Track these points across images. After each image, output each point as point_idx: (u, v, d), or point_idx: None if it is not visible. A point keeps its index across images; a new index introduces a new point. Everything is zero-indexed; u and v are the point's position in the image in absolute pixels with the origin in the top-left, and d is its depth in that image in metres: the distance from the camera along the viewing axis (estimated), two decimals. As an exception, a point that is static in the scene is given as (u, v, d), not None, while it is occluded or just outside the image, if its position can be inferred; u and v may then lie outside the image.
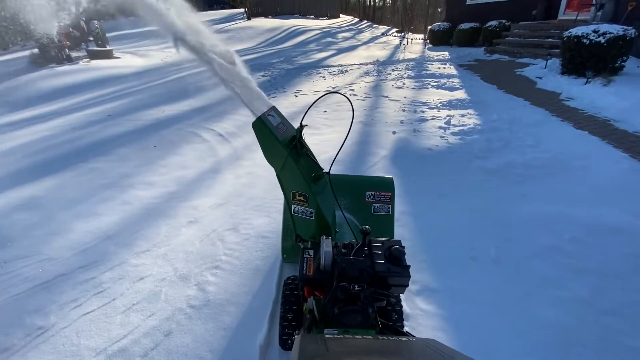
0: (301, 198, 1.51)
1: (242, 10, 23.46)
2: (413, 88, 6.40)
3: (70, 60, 12.22)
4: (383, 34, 21.79)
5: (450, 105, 5.11)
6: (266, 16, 24.57)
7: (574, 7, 9.80)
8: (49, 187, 3.27)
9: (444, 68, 8.38)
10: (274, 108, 1.53)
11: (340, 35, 18.88)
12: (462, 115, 4.58)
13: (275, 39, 17.81)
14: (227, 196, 2.93)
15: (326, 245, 1.20)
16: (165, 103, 6.64)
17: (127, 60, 13.43)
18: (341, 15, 30.43)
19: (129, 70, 11.07)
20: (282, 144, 1.40)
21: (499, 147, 3.56)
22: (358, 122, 4.61)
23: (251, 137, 4.33)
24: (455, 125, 4.21)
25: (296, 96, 6.62)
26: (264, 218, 2.60)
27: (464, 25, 12.50)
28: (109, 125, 5.19)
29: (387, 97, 5.84)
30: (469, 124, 4.22)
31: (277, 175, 1.57)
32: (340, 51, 13.64)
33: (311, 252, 1.27)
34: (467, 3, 13.57)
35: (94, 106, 6.64)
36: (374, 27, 26.60)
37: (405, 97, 5.72)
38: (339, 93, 1.71)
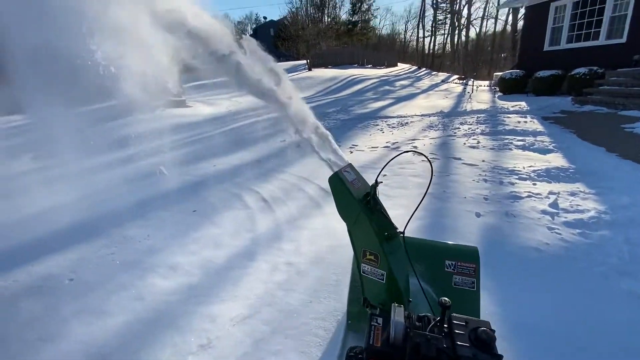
0: (372, 257, 1.47)
1: (304, 62, 24.89)
2: (492, 148, 5.39)
3: (150, 110, 13.54)
4: (443, 81, 21.11)
5: (549, 175, 4.01)
6: (326, 67, 25.72)
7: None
8: (69, 264, 2.92)
9: (525, 122, 7.22)
10: (350, 165, 1.61)
11: (398, 84, 18.63)
12: (572, 194, 3.46)
13: (333, 88, 18.15)
14: (256, 303, 2.24)
15: (398, 314, 1.06)
16: (219, 155, 6.51)
17: (196, 108, 14.50)
18: (399, 63, 30.72)
19: (196, 119, 11.75)
20: (356, 199, 1.43)
21: (651, 255, 2.41)
22: (427, 194, 3.75)
23: (296, 207, 3.71)
24: (566, 211, 3.11)
25: (351, 152, 6.03)
26: (300, 358, 1.82)
27: (543, 73, 11.24)
28: (159, 180, 5.04)
29: (459, 159, 4.92)
30: (588, 210, 3.09)
31: (348, 231, 1.57)
32: (399, 100, 13.15)
33: (380, 320, 1.13)
34: (544, 49, 12.38)
35: (153, 156, 6.78)
36: (433, 75, 26.13)
37: (483, 161, 4.74)
38: (417, 152, 1.87)
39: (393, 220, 1.57)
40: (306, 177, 4.67)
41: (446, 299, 1.06)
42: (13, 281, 2.66)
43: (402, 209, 3.35)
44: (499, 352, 0.95)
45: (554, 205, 3.21)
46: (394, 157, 1.64)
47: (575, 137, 5.91)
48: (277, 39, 30.75)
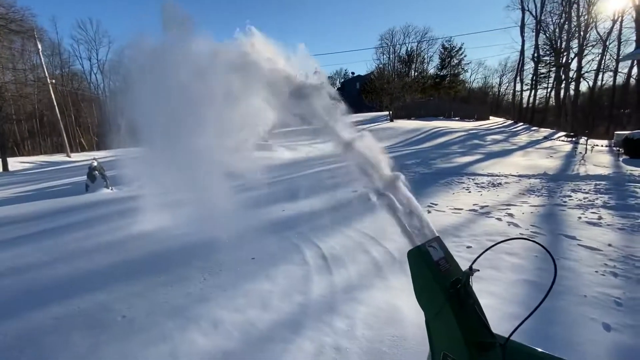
0: None
1: (386, 113, 25.21)
2: (621, 229, 4.15)
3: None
4: (546, 138, 18.74)
5: None
6: (409, 118, 25.54)
7: None
8: (128, 298, 2.99)
9: (670, 196, 5.56)
10: (437, 238, 1.38)
11: (489, 138, 17.18)
12: None
13: (415, 139, 17.68)
14: (290, 398, 1.83)
15: None
16: (290, 199, 6.57)
17: (280, 153, 15.61)
18: (491, 117, 28.78)
19: (277, 162, 12.54)
20: (441, 285, 1.18)
21: None
22: (526, 282, 2.93)
23: (356, 272, 3.27)
24: None
25: (429, 212, 5.38)
26: None
27: (690, 135, 8.92)
28: (228, 221, 5.20)
29: (574, 238, 3.87)
30: None
31: (426, 323, 1.27)
32: (490, 156, 11.90)
33: None
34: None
35: (238, 193, 7.22)
36: (533, 130, 23.56)
37: (610, 245, 3.62)
38: (533, 240, 1.34)
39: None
40: (373, 236, 4.23)
41: None
42: (76, 307, 2.80)
43: (492, 299, 2.63)
44: None
45: None
46: (498, 243, 1.41)
47: None
48: (362, 92, 32.22)
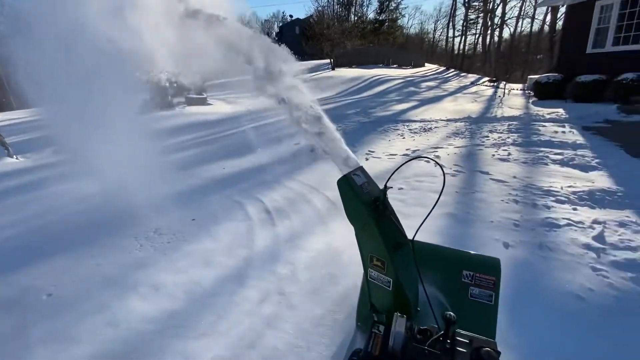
0: (379, 264, 1.44)
1: (328, 61, 24.55)
2: (524, 162, 4.83)
3: (171, 106, 13.73)
4: (473, 84, 20.10)
5: (593, 199, 3.46)
6: (350, 66, 25.24)
7: None
8: (53, 275, 2.75)
9: (564, 132, 6.53)
10: (360, 167, 1.55)
11: (424, 85, 17.91)
12: (622, 225, 2.92)
13: (355, 88, 17.71)
14: (237, 343, 1.94)
15: (399, 324, 1.07)
16: (231, 156, 6.33)
17: (216, 107, 14.55)
18: (427, 64, 29.73)
19: (214, 117, 11.73)
20: (365, 204, 1.39)
21: None
22: (446, 215, 3.33)
23: (299, 221, 3.40)
24: (615, 247, 2.60)
25: (367, 159, 5.64)
26: None
27: (585, 78, 10.28)
28: (165, 182, 4.89)
29: (487, 173, 4.42)
30: (644, 248, 2.57)
31: (356, 235, 1.53)
32: (424, 102, 12.54)
33: (381, 328, 1.13)
34: (586, 52, 11.35)
35: (172, 153, 6.70)
36: (462, 76, 25.04)
37: (514, 177, 4.22)
38: (429, 158, 1.81)
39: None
40: (315, 187, 4.35)
41: (451, 313, 1.03)
42: (-9, 292, 2.52)
43: (420, 234, 2.96)
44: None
45: (600, 238, 2.71)
46: (405, 162, 1.70)
47: (622, 152, 5.22)
48: (302, 37, 30.58)
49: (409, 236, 1.50)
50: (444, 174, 1.49)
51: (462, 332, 1.06)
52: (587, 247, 2.62)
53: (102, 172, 5.34)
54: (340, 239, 2.97)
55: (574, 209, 3.27)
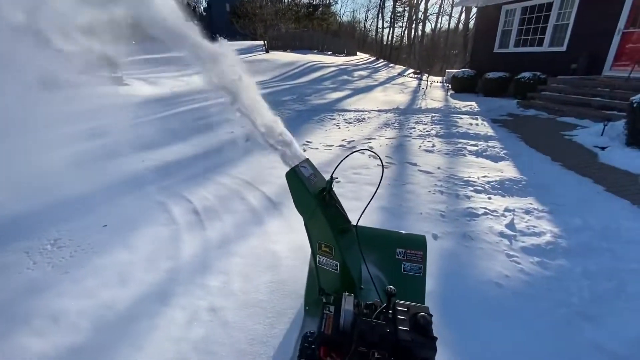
0: (327, 249, 1.54)
1: (262, 43, 23.49)
2: (446, 153, 5.23)
3: (78, 85, 11.64)
4: (400, 74, 21.30)
5: (503, 188, 3.89)
6: (285, 50, 24.56)
7: (623, 62, 8.81)
8: None
9: (477, 125, 7.28)
10: (307, 160, 1.66)
11: (356, 74, 18.35)
12: (527, 212, 3.34)
13: (291, 73, 17.32)
14: (161, 376, 1.69)
15: (347, 303, 1.16)
16: (151, 147, 5.61)
17: (134, 88, 12.83)
18: (358, 53, 30.51)
19: (133, 99, 10.33)
20: (312, 194, 1.49)
21: (609, 292, 2.28)
22: (379, 208, 3.41)
23: (233, 223, 3.15)
24: (523, 233, 2.95)
25: (304, 150, 5.52)
26: None
27: (492, 74, 11.62)
28: (68, 180, 4.10)
29: (415, 165, 4.67)
30: (544, 233, 2.96)
31: (305, 224, 1.60)
32: (357, 92, 12.84)
33: (332, 309, 1.20)
34: (494, 51, 12.81)
35: (78, 142, 5.65)
36: (390, 67, 26.33)
37: (439, 168, 4.54)
38: (371, 151, 2.18)
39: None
40: (250, 182, 4.09)
41: (392, 287, 1.14)
42: None
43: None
44: (435, 335, 1.04)
45: (511, 226, 3.04)
46: (350, 154, 1.81)
47: (522, 144, 6.01)
48: (233, 15, 28.63)
49: (352, 222, 1.64)
50: (382, 166, 1.70)
51: (401, 302, 1.16)
52: (502, 234, 2.92)
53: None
54: (280, 240, 2.83)
55: (489, 198, 3.64)
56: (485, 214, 3.28)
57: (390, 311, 1.14)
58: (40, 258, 2.63)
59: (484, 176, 4.22)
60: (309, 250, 2.65)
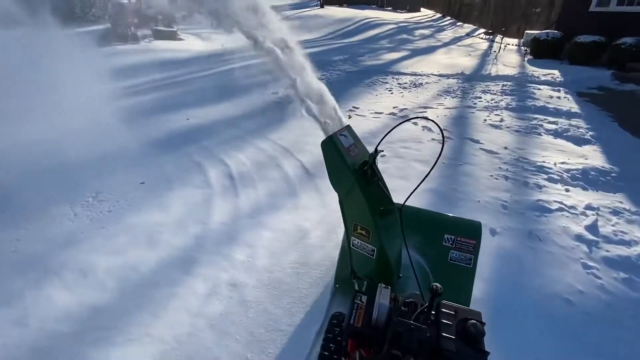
0: (363, 232, 1.37)
1: (316, -4, 22.18)
2: (517, 130, 4.47)
3: (135, 39, 12.04)
4: (468, 35, 18.94)
5: (586, 180, 3.20)
6: (341, 4, 23.04)
7: None
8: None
9: (559, 98, 6.14)
10: (348, 127, 1.44)
11: (417, 33, 16.66)
12: (615, 213, 2.69)
13: (345, 31, 16.24)
14: (173, 353, 1.62)
15: (383, 296, 1.04)
16: (198, 104, 5.60)
17: (188, 43, 12.98)
18: (422, 9, 27.64)
19: (185, 54, 10.46)
20: (351, 168, 1.30)
21: None
22: (429, 190, 2.99)
23: (266, 192, 2.98)
24: (608, 240, 2.38)
25: (349, 116, 5.11)
26: None
27: (584, 38, 9.67)
28: (116, 133, 4.22)
29: (477, 142, 4.05)
30: (636, 242, 2.35)
31: (340, 202, 1.42)
32: (416, 53, 11.64)
33: (364, 299, 1.08)
34: (589, 10, 10.55)
35: (127, 97, 5.84)
36: (458, 26, 23.55)
37: (506, 148, 3.88)
38: (428, 119, 1.59)
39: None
40: (289, 149, 3.86)
41: (438, 285, 0.97)
42: None
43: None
44: (487, 349, 0.88)
45: (593, 228, 2.47)
46: (402, 123, 1.62)
47: (615, 125, 4.95)
48: (288, -35, 27.06)
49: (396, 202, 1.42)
50: (443, 137, 1.29)
51: (447, 302, 1.02)
52: (579, 238, 2.38)
53: (42, 116, 4.56)
54: (311, 217, 2.60)
55: (567, 190, 3.01)
56: (560, 209, 2.71)
57: (433, 312, 0.99)
58: (81, 210, 2.72)
59: (563, 162, 3.51)
60: (341, 232, 2.41)
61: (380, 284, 1.09)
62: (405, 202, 1.34)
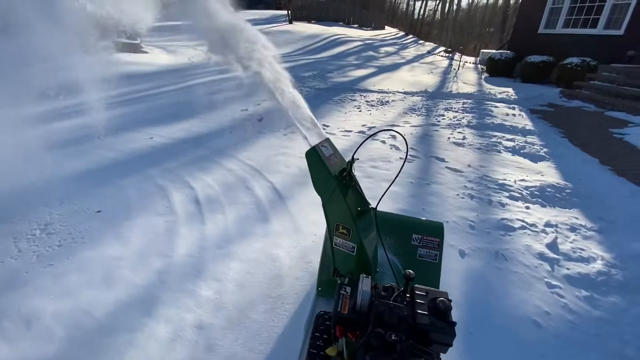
0: (344, 231, 1.53)
1: (286, 12, 22.46)
2: (479, 148, 4.70)
3: (94, 51, 11.45)
4: (429, 52, 20.01)
5: (544, 196, 3.40)
6: (309, 21, 23.49)
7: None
8: None
9: (514, 115, 6.58)
10: (327, 140, 1.61)
11: (383, 50, 17.32)
12: (573, 229, 2.86)
13: (314, 47, 16.51)
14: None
15: (365, 284, 1.17)
16: (162, 122, 5.36)
17: (153, 55, 12.53)
18: (386, 27, 28.88)
19: (149, 68, 10.07)
20: (332, 175, 1.45)
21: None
22: (399, 210, 3.02)
23: (235, 217, 2.86)
24: (568, 257, 2.51)
25: (321, 134, 5.11)
26: None
27: (534, 58, 10.55)
28: (72, 155, 3.91)
29: (443, 160, 4.19)
30: (594, 258, 2.51)
31: (323, 206, 1.57)
32: (382, 70, 12.07)
33: (348, 289, 1.24)
34: (538, 31, 11.57)
35: (82, 115, 5.46)
36: (420, 44, 24.80)
37: (469, 166, 4.05)
38: (394, 131, 2.04)
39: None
40: (258, 169, 3.77)
41: (410, 271, 1.15)
42: None
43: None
44: (453, 320, 1.05)
45: (553, 246, 2.60)
46: (372, 135, 1.94)
47: (565, 141, 5.36)
48: (256, -19, 27.29)
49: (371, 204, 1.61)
50: (407, 146, 1.66)
51: (419, 286, 1.17)
52: (542, 256, 2.50)
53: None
54: (283, 244, 2.52)
55: (527, 208, 3.17)
56: (523, 227, 2.83)
57: (408, 295, 1.14)
58: (26, 245, 2.44)
59: (522, 179, 3.71)
60: (315, 258, 2.34)
61: (362, 274, 1.21)
62: (378, 203, 1.57)
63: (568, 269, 2.39)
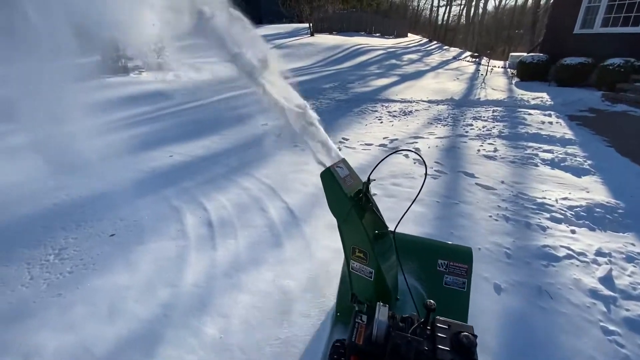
0: (361, 255, 1.47)
1: (307, 25, 22.77)
2: (512, 161, 4.31)
3: (125, 71, 12.07)
4: (455, 58, 19.42)
5: (592, 218, 2.99)
6: (330, 32, 23.63)
7: None
8: None
9: (551, 123, 6.07)
10: (343, 160, 1.58)
11: (405, 57, 17.01)
12: (630, 260, 2.46)
13: (335, 58, 16.51)
14: None
15: (381, 313, 1.12)
16: (183, 139, 5.41)
17: (179, 73, 13.03)
18: (409, 34, 28.53)
19: (174, 85, 10.43)
20: (348, 196, 1.40)
21: None
22: (423, 234, 2.75)
23: (247, 243, 2.71)
24: (627, 295, 2.13)
25: (340, 148, 4.94)
26: None
27: (570, 60, 9.84)
28: (93, 175, 3.97)
29: (472, 176, 3.86)
30: (660, 298, 2.11)
31: (339, 227, 1.52)
32: (405, 78, 11.76)
33: (364, 318, 1.19)
34: (574, 32, 10.83)
35: (106, 134, 5.63)
36: (444, 49, 24.22)
37: (503, 182, 3.69)
38: (413, 152, 2.26)
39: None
40: (274, 188, 3.63)
41: (432, 301, 1.09)
42: None
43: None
44: (478, 358, 0.96)
45: (608, 280, 2.23)
46: (389, 155, 1.82)
47: (612, 151, 4.83)
48: (280, -3, 28.05)
49: (390, 227, 1.52)
50: (425, 173, 1.55)
51: (441, 318, 1.10)
52: (594, 294, 2.13)
53: (13, 156, 4.32)
54: (296, 274, 2.34)
55: (573, 232, 2.79)
56: (569, 257, 2.47)
57: (428, 327, 1.09)
58: (39, 272, 2.42)
59: (564, 198, 3.31)
60: (329, 292, 2.14)
61: (378, 302, 1.14)
62: (396, 225, 1.45)
63: (628, 309, 2.02)
